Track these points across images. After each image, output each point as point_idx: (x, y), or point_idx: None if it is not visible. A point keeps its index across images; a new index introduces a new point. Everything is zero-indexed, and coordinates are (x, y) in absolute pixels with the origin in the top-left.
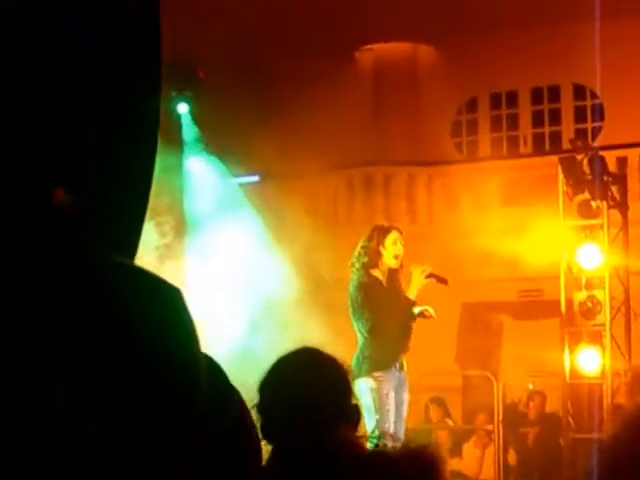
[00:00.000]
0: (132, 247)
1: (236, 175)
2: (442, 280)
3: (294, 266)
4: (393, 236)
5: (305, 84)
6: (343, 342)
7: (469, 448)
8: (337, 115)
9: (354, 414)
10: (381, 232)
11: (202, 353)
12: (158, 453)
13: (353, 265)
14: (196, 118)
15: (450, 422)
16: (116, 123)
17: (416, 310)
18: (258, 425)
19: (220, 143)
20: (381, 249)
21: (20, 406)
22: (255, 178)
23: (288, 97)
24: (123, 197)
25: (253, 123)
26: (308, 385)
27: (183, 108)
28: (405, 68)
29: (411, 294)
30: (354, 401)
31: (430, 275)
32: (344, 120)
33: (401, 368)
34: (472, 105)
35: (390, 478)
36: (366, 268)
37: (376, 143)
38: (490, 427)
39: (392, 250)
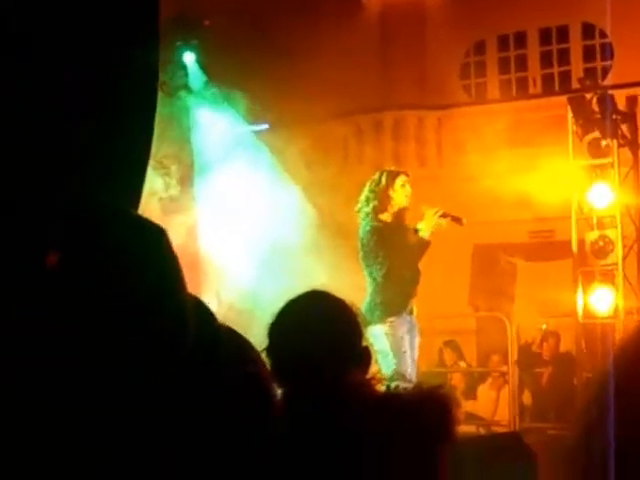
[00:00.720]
0: (134, 197)
1: (245, 123)
2: (457, 219)
3: (304, 212)
4: (402, 179)
5: (312, 30)
6: (353, 286)
7: (484, 390)
8: (345, 61)
9: (365, 356)
10: (389, 175)
11: (191, 297)
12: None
13: (361, 210)
14: (203, 67)
15: (464, 364)
16: (114, 75)
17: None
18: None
19: (227, 91)
20: (390, 192)
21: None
22: (264, 126)
23: (295, 44)
24: (123, 148)
25: (260, 71)
26: (317, 328)
27: (189, 57)
28: (412, 11)
29: (424, 234)
30: (364, 343)
31: (444, 214)
32: (352, 65)
33: (411, 312)
34: (480, 47)
35: (402, 419)
36: (376, 212)
37: (384, 88)
38: (504, 368)
39: (401, 192)
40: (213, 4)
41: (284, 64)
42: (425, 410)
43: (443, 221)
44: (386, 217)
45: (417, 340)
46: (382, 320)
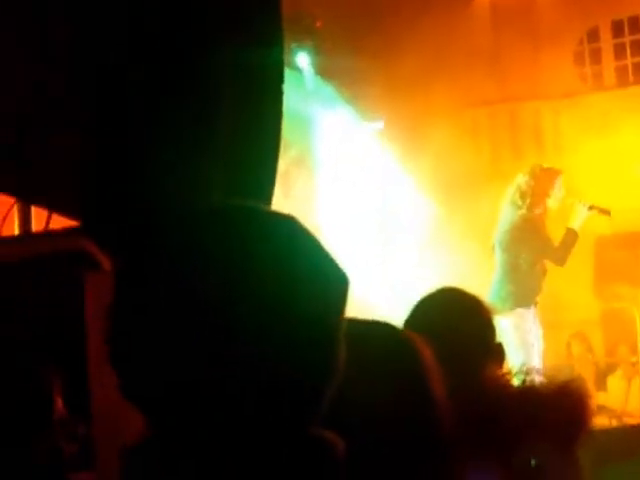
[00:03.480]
0: (266, 195)
1: (361, 122)
2: (605, 211)
3: (421, 208)
4: (560, 181)
5: (424, 25)
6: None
7: (614, 381)
8: (457, 54)
9: (499, 353)
10: (550, 175)
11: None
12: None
13: (514, 202)
14: (317, 68)
15: (592, 356)
16: (242, 76)
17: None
18: None
19: (342, 92)
20: (550, 191)
21: None
22: (380, 124)
23: (407, 40)
24: (254, 147)
25: (374, 69)
26: (454, 323)
27: (303, 59)
28: (522, 1)
29: (573, 225)
30: (498, 340)
31: (592, 207)
32: (464, 58)
33: (535, 305)
34: (594, 34)
35: (539, 413)
36: (531, 205)
37: (498, 80)
38: (634, 359)
39: (557, 195)
40: (325, 4)
41: (397, 61)
42: (562, 403)
43: (591, 213)
44: (538, 212)
45: (541, 332)
46: (511, 310)
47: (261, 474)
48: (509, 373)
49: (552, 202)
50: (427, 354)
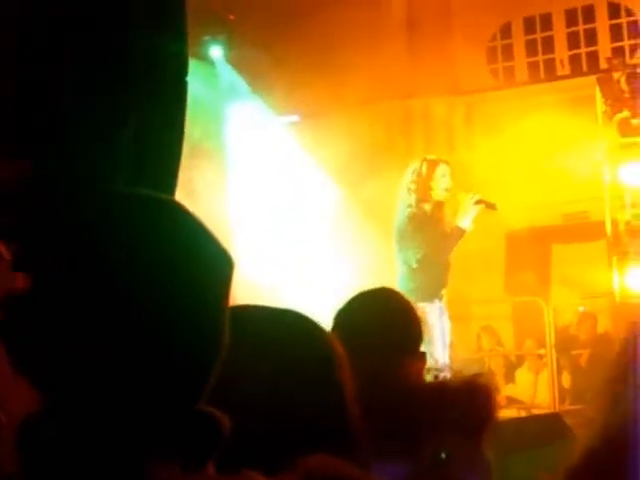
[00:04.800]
0: (169, 183)
1: (274, 115)
2: (490, 205)
3: (334, 201)
4: (442, 169)
5: (338, 18)
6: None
7: (522, 374)
8: (372, 48)
9: (422, 359)
10: (430, 165)
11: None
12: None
13: (402, 198)
14: (230, 61)
15: (501, 349)
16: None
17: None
18: None
19: (256, 84)
20: (431, 183)
21: None
22: (294, 117)
23: (321, 33)
24: (157, 137)
25: (287, 63)
26: (379, 324)
27: (216, 52)
28: None
29: (460, 222)
30: (422, 349)
31: (478, 201)
32: (379, 53)
33: (441, 299)
34: (506, 30)
35: (447, 406)
36: (417, 201)
37: (412, 74)
38: (542, 351)
39: (441, 183)
40: None
41: (310, 55)
42: (469, 397)
43: (478, 207)
44: (426, 206)
45: (447, 324)
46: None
47: (147, 448)
48: (422, 369)
49: (437, 194)
50: (335, 345)
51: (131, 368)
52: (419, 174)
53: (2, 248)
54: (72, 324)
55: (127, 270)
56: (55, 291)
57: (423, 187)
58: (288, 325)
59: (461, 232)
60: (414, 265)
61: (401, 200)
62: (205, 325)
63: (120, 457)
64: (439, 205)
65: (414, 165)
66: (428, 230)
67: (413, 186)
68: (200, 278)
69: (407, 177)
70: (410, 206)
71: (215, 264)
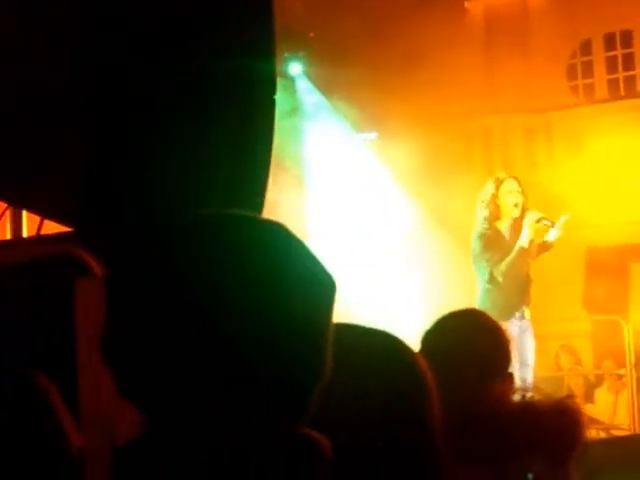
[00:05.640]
0: (257, 204)
1: (354, 132)
2: (551, 224)
3: (415, 217)
4: (508, 185)
5: (416, 36)
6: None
7: (602, 394)
8: (450, 65)
9: (509, 378)
10: (495, 183)
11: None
12: None
13: (477, 217)
14: (310, 78)
15: (581, 369)
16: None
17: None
18: None
19: (333, 101)
20: (497, 201)
21: None
22: (372, 134)
23: (399, 51)
24: (247, 156)
25: (366, 80)
26: (468, 345)
27: (296, 68)
28: (515, 13)
29: (519, 240)
30: (510, 370)
31: (539, 220)
32: (457, 70)
33: (522, 317)
34: (586, 47)
35: (535, 428)
36: (489, 221)
37: (491, 91)
38: (622, 371)
39: (509, 199)
40: (317, 14)
41: (389, 71)
42: (557, 420)
43: (537, 226)
44: (500, 225)
45: (532, 343)
46: None
47: (250, 471)
48: (510, 390)
49: (506, 211)
50: (425, 370)
51: (236, 393)
52: (486, 192)
53: (93, 263)
54: (176, 349)
55: (240, 296)
56: (161, 314)
57: (492, 206)
58: (382, 348)
59: (519, 250)
60: (487, 284)
61: (477, 219)
62: (314, 348)
63: None
64: (510, 222)
65: (487, 184)
66: (497, 248)
67: (482, 205)
68: (311, 301)
69: (479, 196)
70: (480, 224)
71: (323, 287)
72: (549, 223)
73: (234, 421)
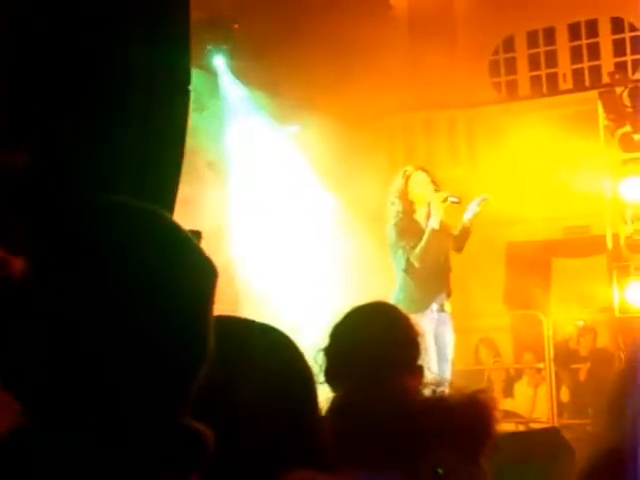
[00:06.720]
0: (169, 195)
1: (276, 125)
2: (457, 201)
3: (334, 211)
4: (416, 178)
5: (341, 30)
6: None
7: (521, 387)
8: (374, 60)
9: (418, 370)
10: (404, 177)
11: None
12: None
13: (390, 211)
14: (233, 71)
15: (502, 362)
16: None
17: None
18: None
19: (258, 94)
20: (409, 196)
21: None
22: (295, 127)
23: (323, 45)
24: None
25: (290, 73)
26: (374, 339)
27: (219, 61)
28: (440, 9)
29: (430, 223)
30: (420, 363)
31: (445, 199)
32: (381, 65)
33: (441, 310)
34: (509, 44)
35: (446, 422)
36: (404, 213)
37: (413, 87)
38: (541, 365)
39: (419, 191)
40: (241, 7)
41: (312, 66)
42: (469, 413)
43: (445, 205)
44: (418, 217)
45: (451, 337)
46: None
47: (131, 462)
48: (421, 384)
49: (419, 202)
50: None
51: (114, 378)
52: (397, 187)
53: None
54: (55, 333)
55: (111, 280)
56: (44, 291)
57: (404, 200)
58: (273, 341)
59: (431, 232)
60: (404, 274)
61: (390, 213)
62: (189, 332)
63: (104, 472)
64: (425, 212)
65: (395, 179)
66: (412, 235)
67: (396, 201)
68: (184, 287)
69: (390, 192)
70: (394, 217)
71: (198, 273)
72: (456, 200)
73: (113, 410)
